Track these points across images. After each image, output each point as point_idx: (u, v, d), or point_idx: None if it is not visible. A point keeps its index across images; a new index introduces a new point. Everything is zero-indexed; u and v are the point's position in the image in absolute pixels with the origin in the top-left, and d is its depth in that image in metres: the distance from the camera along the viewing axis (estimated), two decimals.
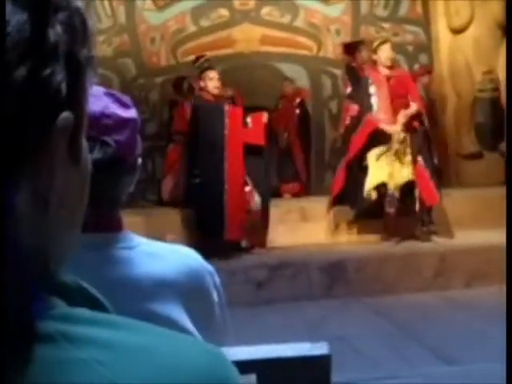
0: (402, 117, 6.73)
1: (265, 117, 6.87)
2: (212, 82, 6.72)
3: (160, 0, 9.40)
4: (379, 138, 6.73)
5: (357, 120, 7.00)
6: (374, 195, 6.74)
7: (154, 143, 8.70)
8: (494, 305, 5.56)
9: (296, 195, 8.75)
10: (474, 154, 8.63)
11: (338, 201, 7.07)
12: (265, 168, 6.93)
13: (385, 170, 6.67)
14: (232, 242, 6.55)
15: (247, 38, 9.45)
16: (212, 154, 6.54)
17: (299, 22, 9.53)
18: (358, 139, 6.81)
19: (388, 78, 6.87)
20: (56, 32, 0.47)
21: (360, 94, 7.02)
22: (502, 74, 8.86)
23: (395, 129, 6.69)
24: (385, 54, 6.91)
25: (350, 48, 8.03)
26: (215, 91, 6.73)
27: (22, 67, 0.45)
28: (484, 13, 8.65)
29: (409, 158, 6.69)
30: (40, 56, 0.46)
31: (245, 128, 6.69)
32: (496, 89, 8.79)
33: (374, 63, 7.05)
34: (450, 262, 6.28)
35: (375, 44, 7.13)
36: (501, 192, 7.84)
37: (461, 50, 8.79)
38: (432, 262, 6.29)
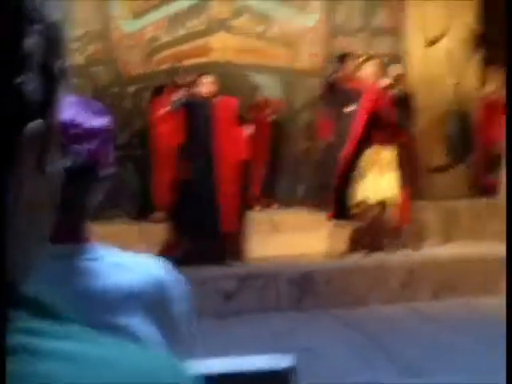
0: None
1: (248, 129, 6.87)
2: (205, 87, 6.69)
3: (135, 8, 9.36)
4: (378, 123, 6.77)
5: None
6: (357, 210, 6.80)
7: (127, 152, 8.64)
8: (461, 317, 5.62)
9: (267, 207, 8.75)
10: (443, 166, 8.72)
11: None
12: (246, 181, 6.91)
13: (368, 184, 6.74)
14: (230, 234, 6.55)
15: (222, 47, 9.45)
16: (203, 147, 6.55)
17: (274, 32, 9.56)
18: (359, 120, 6.80)
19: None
20: (31, 42, 0.48)
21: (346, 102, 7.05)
22: (473, 85, 8.96)
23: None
24: (370, 70, 7.01)
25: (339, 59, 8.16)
26: (209, 95, 6.70)
27: None
28: (457, 26, 8.75)
29: (392, 172, 6.76)
30: (14, 64, 0.47)
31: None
32: (467, 101, 8.90)
33: (359, 79, 7.14)
34: (418, 274, 6.33)
35: (360, 60, 7.26)
36: (468, 204, 7.97)
37: (433, 62, 8.88)
38: (400, 273, 6.33)
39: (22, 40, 0.47)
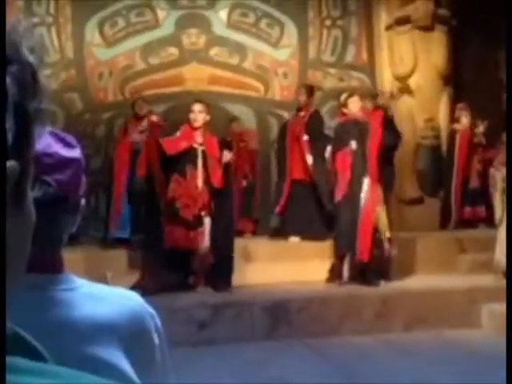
0: None
1: (226, 157, 6.84)
2: (193, 115, 6.87)
3: (109, 36, 9.40)
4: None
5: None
6: None
7: (98, 179, 8.59)
8: (433, 348, 5.64)
9: (241, 235, 8.75)
10: (415, 199, 8.81)
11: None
12: (226, 207, 6.87)
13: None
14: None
15: (196, 77, 9.50)
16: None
17: (247, 64, 9.65)
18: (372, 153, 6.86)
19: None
20: (6, 83, 0.48)
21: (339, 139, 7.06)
22: (442, 122, 9.12)
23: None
24: (355, 106, 7.01)
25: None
26: (195, 124, 6.82)
27: None
28: (426, 63, 8.93)
29: (382, 205, 6.79)
30: None
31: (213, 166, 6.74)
32: (437, 136, 9.03)
33: (344, 115, 7.13)
34: (391, 306, 6.34)
35: (343, 98, 7.24)
36: (440, 237, 8.04)
37: (404, 98, 9.02)
38: (373, 304, 6.34)
39: None
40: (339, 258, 6.93)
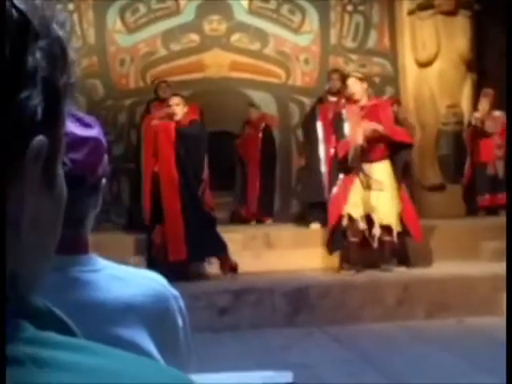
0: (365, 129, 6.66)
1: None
2: (170, 109, 6.88)
3: (131, 22, 9.41)
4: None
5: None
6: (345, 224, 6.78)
7: (121, 165, 8.64)
8: (454, 336, 5.62)
9: (260, 221, 8.75)
10: (436, 186, 8.75)
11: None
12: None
13: (353, 199, 6.69)
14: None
15: (217, 63, 9.49)
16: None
17: (269, 50, 9.62)
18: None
19: (361, 108, 6.82)
20: (35, 58, 0.48)
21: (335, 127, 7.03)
22: (465, 107, 9.02)
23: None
24: (350, 89, 6.89)
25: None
26: (175, 117, 6.83)
27: None
28: (449, 48, 8.84)
29: (379, 185, 6.69)
30: (18, 80, 0.46)
31: None
32: (459, 122, 8.94)
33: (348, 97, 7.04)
34: (412, 292, 6.32)
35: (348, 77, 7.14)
36: (462, 224, 7.99)
37: (426, 83, 8.94)
38: (394, 291, 6.32)
39: (27, 56, 0.47)
40: (349, 244, 6.93)
